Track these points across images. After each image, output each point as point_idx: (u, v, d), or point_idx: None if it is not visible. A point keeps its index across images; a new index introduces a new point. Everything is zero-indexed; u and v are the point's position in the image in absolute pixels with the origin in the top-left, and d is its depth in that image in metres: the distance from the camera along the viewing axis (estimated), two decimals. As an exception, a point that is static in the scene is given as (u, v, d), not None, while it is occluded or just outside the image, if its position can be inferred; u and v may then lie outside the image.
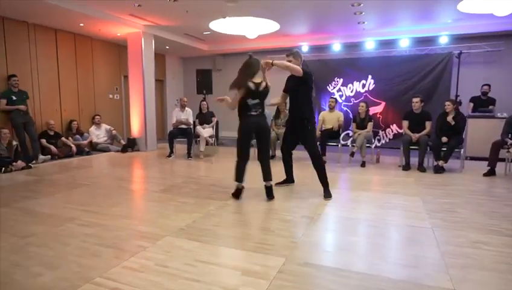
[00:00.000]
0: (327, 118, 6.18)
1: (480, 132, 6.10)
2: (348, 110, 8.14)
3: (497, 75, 7.27)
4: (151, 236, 2.59)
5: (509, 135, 4.88)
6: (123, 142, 7.43)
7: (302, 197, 3.65)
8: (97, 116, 7.44)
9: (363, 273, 2.03)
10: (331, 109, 6.21)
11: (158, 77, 9.39)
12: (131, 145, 7.35)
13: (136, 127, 7.54)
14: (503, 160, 4.93)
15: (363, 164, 5.58)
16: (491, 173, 4.84)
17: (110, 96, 8.29)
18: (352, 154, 5.61)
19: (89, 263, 2.16)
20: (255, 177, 4.77)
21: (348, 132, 6.19)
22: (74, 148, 6.51)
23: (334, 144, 5.92)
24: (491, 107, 6.52)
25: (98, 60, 7.88)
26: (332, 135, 5.96)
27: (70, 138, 6.71)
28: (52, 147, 6.18)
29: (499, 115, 6.09)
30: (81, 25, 6.60)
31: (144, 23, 6.99)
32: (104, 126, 7.50)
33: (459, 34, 7.27)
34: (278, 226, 2.84)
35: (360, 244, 2.52)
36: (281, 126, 6.15)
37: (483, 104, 6.58)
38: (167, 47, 8.96)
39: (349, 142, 5.95)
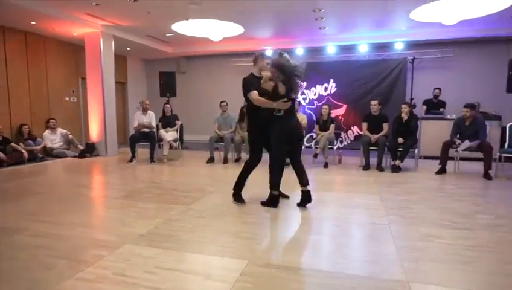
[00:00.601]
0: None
1: (432, 133, 6.51)
2: (312, 113, 8.34)
3: (447, 79, 7.81)
4: (109, 244, 2.48)
5: (457, 135, 5.25)
6: (81, 147, 7.08)
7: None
8: (52, 120, 7.02)
9: (324, 272, 2.08)
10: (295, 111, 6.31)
11: (119, 79, 9.06)
12: (89, 150, 7.01)
13: (95, 131, 7.21)
14: (452, 159, 5.29)
15: (326, 165, 5.74)
16: (442, 171, 5.18)
17: (67, 99, 7.86)
18: (315, 155, 5.75)
19: (39, 276, 2.02)
20: (222, 181, 4.74)
21: (312, 134, 6.35)
22: (26, 154, 6.07)
23: (298, 146, 6.01)
24: (441, 109, 6.98)
25: (53, 61, 7.45)
26: (296, 137, 6.06)
27: (21, 144, 6.27)
28: (0, 153, 5.73)
29: (448, 116, 6.53)
30: (33, 23, 6.21)
31: (103, 23, 6.72)
32: (60, 130, 7.09)
33: (413, 41, 7.73)
34: (241, 228, 2.84)
35: (323, 243, 2.57)
36: (245, 129, 6.17)
37: (434, 106, 7.04)
38: (128, 48, 8.68)
39: (312, 144, 6.09)
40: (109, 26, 6.92)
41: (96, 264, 2.17)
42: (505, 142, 5.13)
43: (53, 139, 6.93)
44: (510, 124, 5.19)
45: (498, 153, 5.05)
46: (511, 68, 6.21)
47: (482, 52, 7.78)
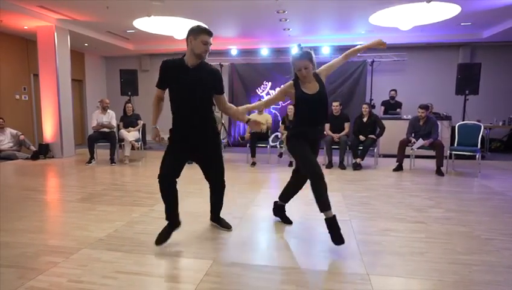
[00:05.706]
0: (256, 120, 6.31)
1: (390, 132, 6.82)
2: (277, 113, 8.44)
3: (402, 82, 8.26)
4: (64, 250, 2.34)
5: (413, 134, 5.56)
6: (33, 148, 6.63)
7: (231, 199, 3.65)
8: (-1, 119, 6.51)
9: (287, 268, 2.10)
10: (260, 111, 6.35)
11: (76, 77, 8.61)
12: (43, 151, 6.58)
13: (49, 132, 6.77)
14: (408, 156, 5.59)
15: (290, 164, 5.82)
16: (399, 168, 5.45)
17: (17, 96, 7.33)
18: (280, 155, 5.82)
19: (-17, 287, 1.86)
20: (186, 182, 4.65)
21: (277, 133, 6.42)
22: (-31, 156, 5.59)
23: (263, 145, 6.07)
24: (398, 110, 7.36)
25: (0, 56, 6.91)
26: (261, 136, 6.11)
27: (-36, 145, 5.75)
28: None
29: (404, 117, 6.90)
30: (-23, 14, 5.72)
31: (57, 17, 6.34)
32: (9, 130, 6.58)
33: (372, 44, 8.07)
34: (206, 229, 2.80)
35: (287, 241, 2.61)
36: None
37: (392, 107, 7.40)
38: (86, 44, 8.27)
39: (277, 143, 6.16)
40: (64, 20, 6.54)
41: (49, 271, 2.04)
42: (455, 140, 5.50)
43: (1, 140, 6.42)
44: (459, 123, 5.58)
45: (448, 151, 5.41)
46: (460, 72, 6.69)
47: (434, 56, 8.32)
